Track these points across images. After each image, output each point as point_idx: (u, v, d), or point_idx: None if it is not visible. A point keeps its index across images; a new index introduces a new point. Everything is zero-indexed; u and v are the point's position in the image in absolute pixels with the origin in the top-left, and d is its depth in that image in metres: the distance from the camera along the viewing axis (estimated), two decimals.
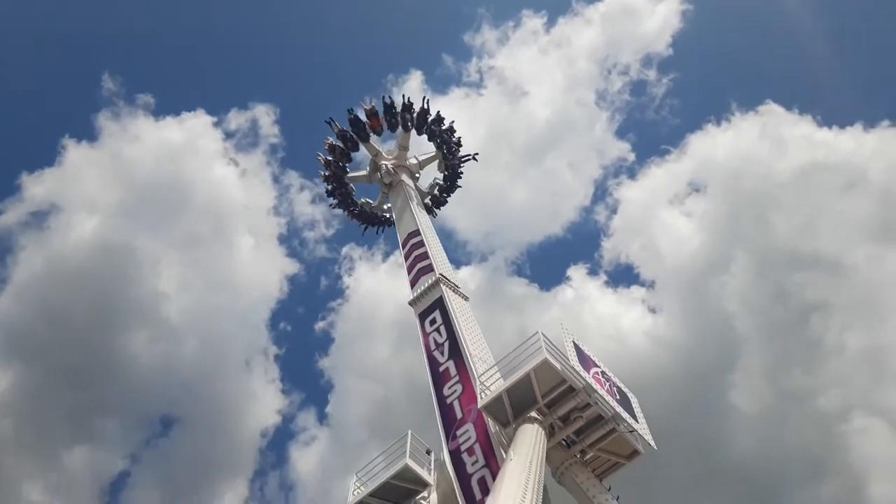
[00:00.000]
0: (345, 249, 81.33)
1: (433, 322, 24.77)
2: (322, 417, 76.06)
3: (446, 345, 23.20)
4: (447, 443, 19.83)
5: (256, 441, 71.41)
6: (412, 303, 26.71)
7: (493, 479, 17.12)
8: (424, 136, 38.31)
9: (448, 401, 21.12)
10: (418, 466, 19.66)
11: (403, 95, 37.55)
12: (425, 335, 24.57)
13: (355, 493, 20.21)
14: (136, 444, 68.70)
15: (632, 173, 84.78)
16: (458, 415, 20.40)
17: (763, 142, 71.56)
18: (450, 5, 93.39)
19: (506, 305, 68.41)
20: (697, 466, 46.63)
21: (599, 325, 63.48)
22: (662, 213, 75.35)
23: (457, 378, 21.55)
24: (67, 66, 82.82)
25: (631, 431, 18.35)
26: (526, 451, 15.38)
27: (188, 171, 77.34)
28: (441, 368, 22.46)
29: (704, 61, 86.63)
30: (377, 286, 76.95)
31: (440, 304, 25.17)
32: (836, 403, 49.62)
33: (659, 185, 77.26)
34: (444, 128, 38.18)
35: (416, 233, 31.08)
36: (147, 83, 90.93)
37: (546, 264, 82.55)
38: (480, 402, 18.74)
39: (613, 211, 79.00)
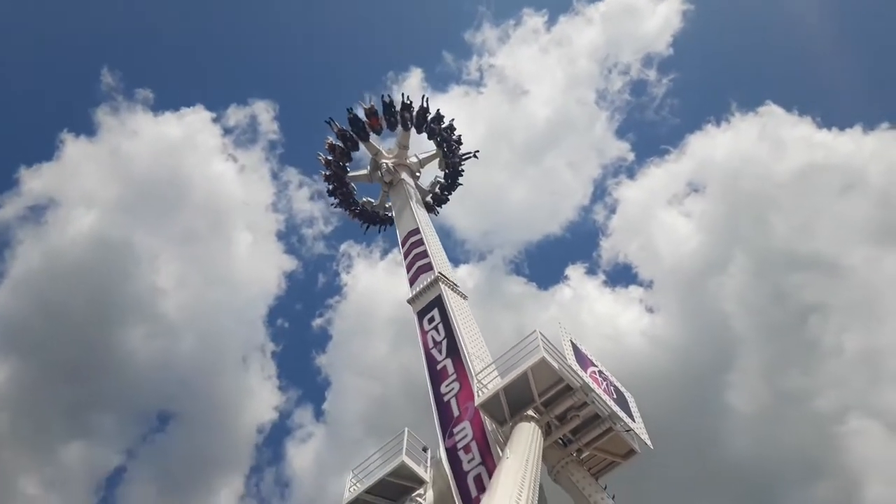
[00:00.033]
0: (343, 247, 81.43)
1: (431, 320, 24.83)
2: (319, 414, 76.20)
3: (444, 343, 23.26)
4: (444, 440, 19.88)
5: (253, 437, 71.51)
6: (411, 301, 26.76)
7: (490, 476, 17.18)
8: (424, 135, 38.29)
9: (445, 398, 21.18)
10: (415, 464, 19.70)
11: (403, 94, 37.59)
12: (423, 333, 24.63)
13: (351, 489, 20.25)
14: (132, 439, 68.84)
15: (631, 173, 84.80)
16: (455, 413, 20.45)
17: (762, 143, 71.66)
18: (451, 3, 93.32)
19: (504, 304, 68.49)
20: (694, 466, 46.72)
21: (597, 325, 63.55)
22: (661, 213, 75.39)
23: (454, 376, 21.61)
24: (66, 60, 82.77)
25: (627, 431, 18.42)
26: (522, 450, 15.43)
27: (187, 166, 77.26)
28: (439, 366, 22.52)
29: (705, 61, 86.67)
30: (375, 284, 77.00)
31: (439, 303, 25.23)
32: (833, 404, 49.78)
33: (658, 185, 77.27)
34: (443, 126, 38.12)
35: (416, 231, 31.12)
36: (146, 78, 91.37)
37: (544, 263, 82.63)
38: (477, 400, 18.81)
39: (612, 210, 79.06)
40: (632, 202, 77.87)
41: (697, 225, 69.92)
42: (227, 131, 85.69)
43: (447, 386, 21.51)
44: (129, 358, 66.55)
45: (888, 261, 57.07)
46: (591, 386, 17.98)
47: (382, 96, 37.23)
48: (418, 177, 38.77)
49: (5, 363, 63.40)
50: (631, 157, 79.67)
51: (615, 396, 18.90)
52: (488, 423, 19.09)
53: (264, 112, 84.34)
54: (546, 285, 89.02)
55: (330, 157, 38.47)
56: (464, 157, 39.65)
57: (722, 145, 75.23)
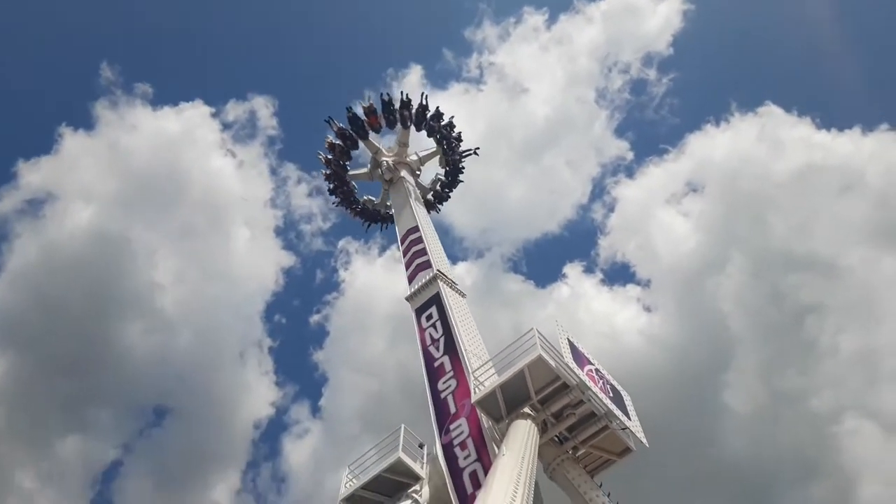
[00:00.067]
0: (341, 243, 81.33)
1: (429, 318, 24.87)
2: (315, 410, 76.27)
3: (442, 340, 23.30)
4: (440, 437, 19.94)
5: (249, 433, 71.61)
6: (409, 298, 26.80)
7: (485, 473, 17.25)
8: (424, 132, 38.20)
9: (442, 395, 21.23)
10: (411, 460, 19.75)
11: (402, 92, 37.55)
12: (421, 330, 24.67)
13: (347, 485, 20.32)
14: (129, 433, 68.87)
15: (630, 172, 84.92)
16: (452, 409, 20.50)
17: (761, 143, 71.71)
18: (451, 0, 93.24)
19: (501, 302, 68.53)
20: (690, 465, 46.85)
21: (594, 323, 63.57)
22: (659, 212, 75.44)
23: (451, 373, 21.66)
24: (66, 54, 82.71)
25: (623, 429, 18.48)
26: (518, 447, 15.48)
27: (185, 161, 77.13)
28: (436, 363, 22.57)
29: (705, 61, 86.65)
30: (373, 280, 76.99)
31: (437, 300, 25.27)
32: (829, 405, 49.94)
33: (657, 184, 77.33)
34: (443, 123, 38.00)
35: (415, 229, 31.14)
36: (145, 73, 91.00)
37: (542, 261, 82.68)
38: (474, 397, 18.87)
39: (611, 209, 79.09)
40: (630, 201, 78.00)
41: (696, 224, 70.08)
42: (225, 126, 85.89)
43: (444, 383, 21.56)
44: (126, 352, 66.68)
45: (885, 262, 57.28)
46: (588, 384, 18.03)
47: (381, 94, 37.18)
48: (419, 175, 38.68)
49: (2, 357, 63.52)
50: (630, 156, 79.79)
51: (611, 395, 18.94)
52: (484, 421, 19.15)
53: (263, 107, 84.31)
54: (544, 283, 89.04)
55: (330, 156, 38.43)
56: (464, 154, 39.54)
57: (721, 145, 75.39)
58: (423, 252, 28.94)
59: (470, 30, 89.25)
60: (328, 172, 38.81)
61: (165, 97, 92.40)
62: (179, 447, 68.31)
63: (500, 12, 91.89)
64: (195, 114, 79.38)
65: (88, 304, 65.05)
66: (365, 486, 19.79)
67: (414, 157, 38.47)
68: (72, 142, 76.21)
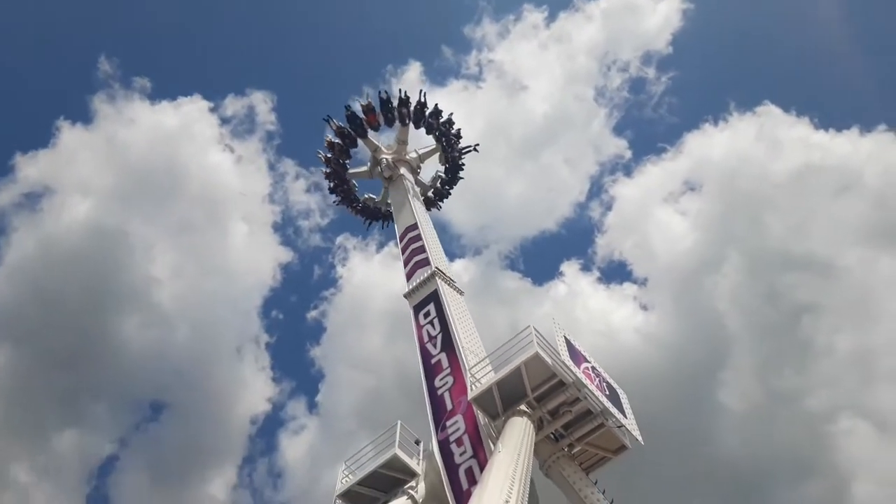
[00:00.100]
0: (339, 239, 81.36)
1: (427, 315, 24.93)
2: (312, 406, 76.31)
3: (439, 337, 23.36)
4: (436, 433, 20.02)
5: (246, 428, 71.70)
6: (407, 295, 26.86)
7: (481, 470, 17.34)
8: (423, 130, 38.17)
9: (439, 392, 21.31)
10: (407, 456, 19.82)
11: (400, 89, 37.32)
12: (419, 327, 24.74)
13: (343, 481, 20.37)
14: (125, 428, 68.98)
15: (628, 171, 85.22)
16: (449, 406, 20.59)
17: (760, 142, 71.82)
18: None
19: (498, 299, 68.60)
20: (686, 464, 47.03)
21: (591, 321, 63.68)
22: (657, 211, 75.57)
23: (448, 370, 21.74)
24: (64, 48, 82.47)
25: (619, 427, 18.56)
26: (514, 444, 15.55)
27: (183, 156, 77.05)
28: (433, 360, 22.64)
29: (704, 61, 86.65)
30: (371, 277, 77.00)
31: (435, 298, 25.34)
32: (824, 404, 50.16)
33: (654, 183, 77.41)
34: (442, 120, 37.93)
35: (414, 226, 31.18)
36: (144, 67, 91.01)
37: (539, 259, 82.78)
38: (470, 394, 18.92)
39: (608, 208, 79.23)
40: (628, 200, 78.11)
41: (693, 223, 70.21)
42: (224, 121, 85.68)
43: (441, 380, 21.64)
44: (123, 347, 66.72)
45: (882, 262, 57.44)
46: (584, 382, 18.11)
47: (379, 92, 37.06)
48: (419, 172, 38.65)
49: None
50: (628, 154, 79.88)
51: (608, 393, 19.03)
52: (481, 417, 19.22)
53: (262, 103, 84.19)
54: (541, 281, 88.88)
55: (329, 155, 38.39)
56: (464, 151, 39.44)
57: (719, 144, 75.52)
58: (422, 249, 29.00)
59: (469, 27, 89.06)
60: (328, 171, 38.73)
61: (164, 91, 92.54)
62: (176, 442, 68.49)
63: (499, 9, 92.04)
64: (193, 108, 79.43)
65: (86, 298, 65.12)
66: (361, 482, 19.86)
67: (413, 155, 38.44)
68: (69, 135, 76.24)
